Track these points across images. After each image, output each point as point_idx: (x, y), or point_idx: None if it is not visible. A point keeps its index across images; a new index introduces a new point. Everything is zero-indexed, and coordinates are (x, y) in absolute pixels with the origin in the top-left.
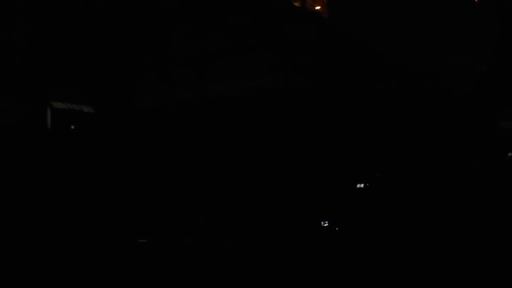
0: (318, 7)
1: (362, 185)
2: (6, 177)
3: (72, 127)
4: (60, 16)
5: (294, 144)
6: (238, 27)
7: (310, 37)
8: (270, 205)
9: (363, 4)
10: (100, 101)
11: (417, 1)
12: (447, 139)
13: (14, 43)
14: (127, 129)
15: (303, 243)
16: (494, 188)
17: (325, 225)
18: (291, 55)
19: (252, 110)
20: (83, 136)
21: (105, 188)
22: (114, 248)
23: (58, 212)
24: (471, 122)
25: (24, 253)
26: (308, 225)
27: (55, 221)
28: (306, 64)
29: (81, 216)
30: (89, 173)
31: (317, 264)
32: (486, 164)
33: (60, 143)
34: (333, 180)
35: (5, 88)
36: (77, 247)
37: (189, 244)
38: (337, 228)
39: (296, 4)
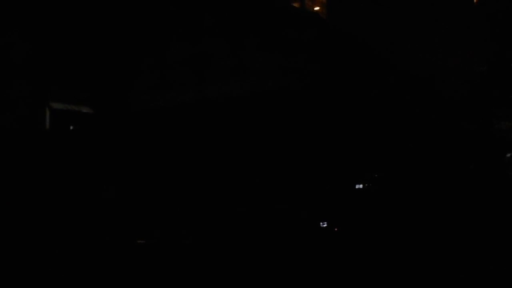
0: (317, 8)
1: (361, 186)
2: (5, 178)
3: (71, 127)
4: (59, 16)
5: (293, 145)
6: (237, 27)
7: (309, 37)
8: (269, 205)
9: (362, 5)
10: (99, 101)
11: (415, 2)
12: (445, 140)
13: (12, 43)
14: (126, 129)
15: (302, 244)
16: (492, 189)
17: (324, 225)
18: (290, 56)
19: (251, 110)
20: (82, 136)
21: (104, 189)
22: (114, 249)
23: (57, 213)
24: (469, 122)
25: (23, 254)
26: (307, 226)
27: (54, 222)
28: (305, 64)
29: (80, 216)
30: (88, 173)
31: (316, 265)
32: (483, 165)
33: (59, 144)
34: (332, 180)
35: (3, 88)
36: (76, 248)
37: (188, 244)
38: (336, 229)
39: (295, 4)
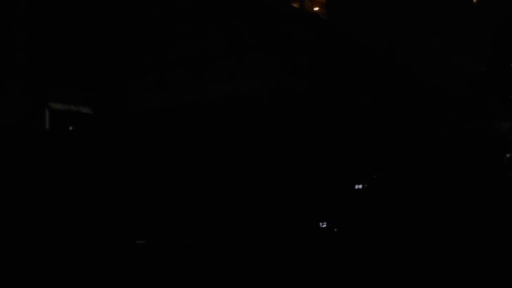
0: (316, 8)
1: (360, 186)
2: (4, 178)
3: (70, 128)
4: (59, 17)
5: (292, 145)
6: (236, 28)
7: (309, 38)
8: (268, 206)
9: (361, 6)
10: (98, 102)
11: (415, 3)
12: (444, 140)
13: (12, 43)
14: (125, 130)
15: (301, 244)
16: (492, 189)
17: (323, 226)
18: (289, 56)
19: (249, 111)
20: (81, 137)
21: (103, 189)
22: (113, 249)
23: (56, 213)
24: (469, 123)
25: (22, 255)
26: (306, 226)
27: (53, 222)
28: (304, 65)
29: (79, 217)
30: (87, 174)
31: (315, 265)
32: (483, 165)
33: (58, 144)
34: (332, 181)
35: (2, 88)
36: (75, 248)
37: (187, 244)
38: (335, 229)
39: (295, 5)
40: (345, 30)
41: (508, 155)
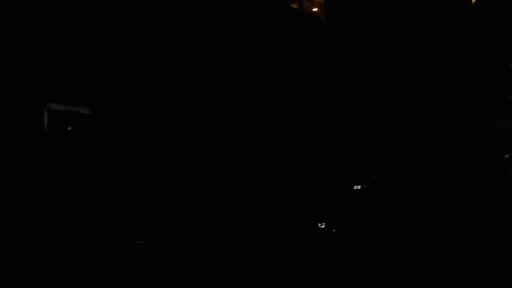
0: (315, 9)
1: (359, 187)
2: (3, 179)
3: (69, 128)
4: (58, 18)
5: (291, 146)
6: (235, 29)
7: (308, 38)
8: (267, 206)
9: (360, 6)
10: (97, 102)
11: (414, 3)
12: (443, 141)
13: (11, 44)
14: (124, 131)
15: (300, 244)
16: (490, 190)
17: (322, 226)
18: (288, 57)
19: (248, 111)
20: (80, 137)
21: (102, 190)
22: (112, 250)
23: (55, 214)
24: (467, 123)
25: (20, 256)
26: (305, 227)
27: (52, 222)
28: (303, 65)
29: (78, 217)
30: (86, 174)
31: (314, 265)
32: (482, 166)
33: (57, 145)
34: (330, 181)
35: (1, 89)
36: (74, 248)
37: (186, 244)
38: (334, 230)
39: (294, 5)
40: (344, 30)
41: (507, 156)
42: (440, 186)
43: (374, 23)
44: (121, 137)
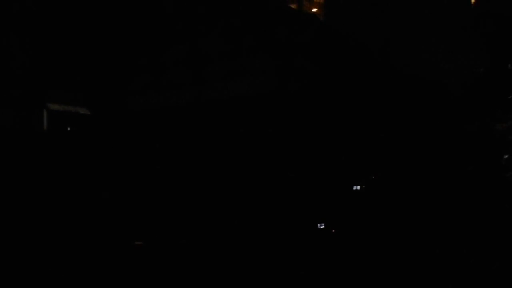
0: (314, 9)
1: (358, 187)
2: (3, 179)
3: (68, 128)
4: (57, 19)
5: (290, 146)
6: (234, 29)
7: (307, 39)
8: (267, 207)
9: (359, 7)
10: (96, 103)
11: (413, 4)
12: (443, 141)
13: (11, 46)
14: (123, 131)
15: (299, 245)
16: (490, 191)
17: (321, 227)
18: (287, 57)
19: (247, 111)
20: (80, 137)
21: (101, 190)
22: (112, 250)
23: (55, 214)
24: (467, 124)
25: (20, 256)
26: (304, 227)
27: (51, 223)
28: (302, 65)
29: (77, 217)
30: (85, 174)
31: (313, 266)
32: (482, 166)
33: (56, 145)
34: (330, 182)
35: (1, 90)
36: (74, 249)
37: (185, 244)
38: (333, 230)
39: (293, 6)
40: (343, 30)
41: (506, 156)
42: (439, 186)
43: (373, 24)
44: (120, 137)
